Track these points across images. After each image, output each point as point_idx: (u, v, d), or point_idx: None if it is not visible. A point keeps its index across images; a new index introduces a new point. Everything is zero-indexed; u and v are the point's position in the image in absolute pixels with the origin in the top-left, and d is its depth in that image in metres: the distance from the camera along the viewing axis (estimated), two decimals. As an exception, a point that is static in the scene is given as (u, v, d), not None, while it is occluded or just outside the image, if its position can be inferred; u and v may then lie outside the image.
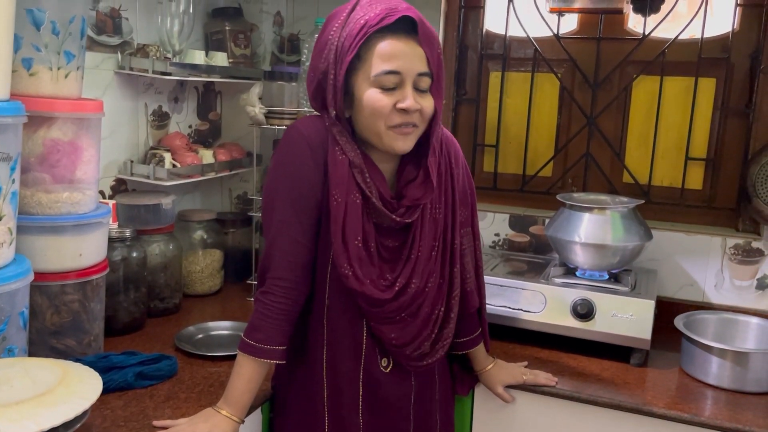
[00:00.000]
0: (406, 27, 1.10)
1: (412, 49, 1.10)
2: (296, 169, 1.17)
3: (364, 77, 1.12)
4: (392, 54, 1.10)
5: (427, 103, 1.15)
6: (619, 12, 1.94)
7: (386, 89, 1.11)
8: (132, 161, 1.86)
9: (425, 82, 1.13)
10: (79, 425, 1.05)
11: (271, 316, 1.19)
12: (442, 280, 1.26)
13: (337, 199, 1.15)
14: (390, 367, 1.27)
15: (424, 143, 1.20)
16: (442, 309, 1.27)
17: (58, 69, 1.35)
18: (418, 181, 1.20)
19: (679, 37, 1.95)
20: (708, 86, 1.96)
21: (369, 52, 1.11)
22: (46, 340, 1.38)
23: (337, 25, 1.14)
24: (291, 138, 1.18)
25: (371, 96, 1.12)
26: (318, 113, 1.22)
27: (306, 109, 1.90)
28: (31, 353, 1.33)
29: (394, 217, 1.18)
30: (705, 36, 1.93)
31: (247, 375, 1.21)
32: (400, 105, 1.11)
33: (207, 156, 2.01)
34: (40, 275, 1.32)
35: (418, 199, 1.20)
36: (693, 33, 1.95)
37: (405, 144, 1.15)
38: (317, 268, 1.23)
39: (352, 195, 1.16)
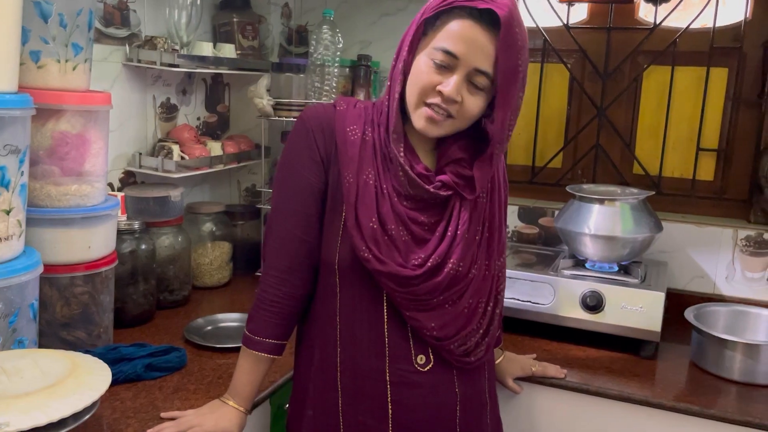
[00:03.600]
0: (493, 20, 1.01)
1: (483, 41, 1.02)
2: (293, 158, 1.13)
3: (427, 44, 1.06)
4: (460, 36, 1.02)
5: (473, 103, 1.06)
6: (630, 1, 1.92)
7: (438, 66, 1.04)
8: (140, 153, 1.87)
9: (481, 81, 1.04)
10: (88, 416, 1.05)
11: (262, 307, 1.16)
12: (488, 271, 1.17)
13: (349, 180, 1.10)
14: (430, 365, 1.14)
15: (476, 139, 1.13)
16: (491, 304, 1.18)
17: (66, 61, 1.35)
18: (463, 171, 1.12)
19: (691, 27, 1.93)
20: (720, 76, 1.94)
21: (444, 24, 1.04)
22: (56, 331, 1.39)
23: None
24: (294, 127, 1.15)
25: (423, 64, 1.05)
26: (340, 98, 1.18)
27: (314, 100, 1.90)
28: (42, 345, 1.33)
29: (429, 188, 1.09)
30: (717, 25, 1.91)
31: (246, 366, 1.19)
32: (441, 87, 1.04)
33: (215, 148, 2.01)
34: (49, 267, 1.33)
35: (457, 185, 1.11)
36: (705, 22, 1.93)
37: (431, 128, 1.08)
38: (324, 261, 1.15)
39: (364, 175, 1.10)
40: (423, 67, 1.05)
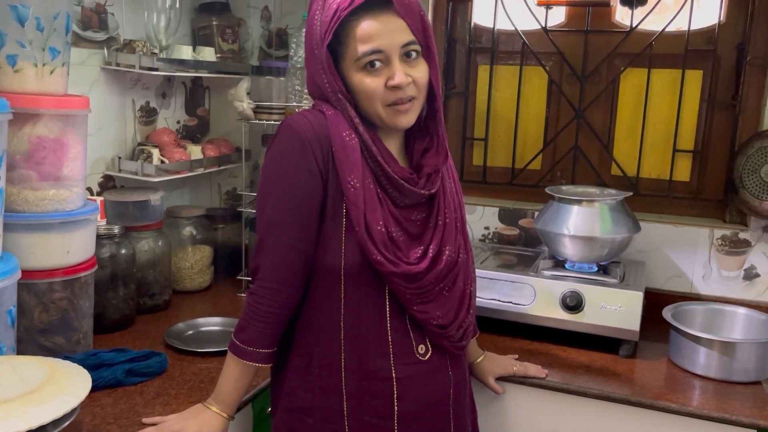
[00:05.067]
0: (379, 1, 1.06)
1: (390, 22, 1.06)
2: (288, 170, 1.11)
3: (350, 62, 1.09)
4: (369, 34, 1.06)
5: (420, 72, 1.10)
6: (607, 4, 1.94)
7: (373, 70, 1.08)
8: (120, 157, 1.86)
9: (413, 49, 1.09)
10: (68, 423, 1.04)
11: (256, 318, 1.14)
12: (467, 254, 1.23)
13: (354, 185, 1.09)
14: (429, 353, 1.18)
15: (427, 112, 1.17)
16: (472, 285, 1.24)
17: (43, 65, 1.34)
18: (433, 150, 1.17)
19: (666, 30, 1.96)
20: (695, 78, 1.97)
21: (348, 37, 1.07)
22: (34, 338, 1.38)
23: (317, 7, 1.11)
24: (283, 136, 1.12)
25: (361, 81, 1.09)
26: (318, 102, 1.16)
27: (294, 103, 1.90)
28: (20, 351, 1.32)
29: (418, 190, 1.14)
30: (692, 28, 1.94)
31: (234, 375, 1.18)
32: (391, 83, 1.07)
33: (195, 152, 2.00)
34: (27, 273, 1.31)
35: (437, 165, 1.16)
36: (680, 25, 1.96)
37: (407, 119, 1.12)
38: (326, 268, 1.14)
39: (367, 180, 1.11)
40: (364, 80, 1.09)
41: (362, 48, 1.06)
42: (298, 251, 1.13)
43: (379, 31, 1.06)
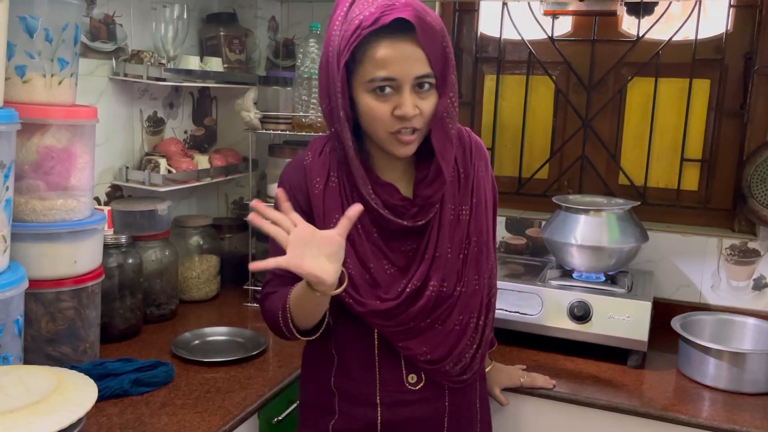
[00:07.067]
0: (404, 26, 1.01)
1: (409, 51, 1.02)
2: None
3: (361, 81, 1.05)
4: (386, 60, 1.02)
5: (428, 105, 1.06)
6: (613, 14, 1.94)
7: (382, 95, 1.04)
8: (127, 167, 1.86)
9: (426, 82, 1.05)
10: (74, 433, 1.04)
11: (270, 298, 1.15)
12: (477, 286, 1.17)
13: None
14: (421, 384, 1.17)
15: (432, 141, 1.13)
16: (482, 317, 1.18)
17: (52, 76, 1.35)
18: (428, 180, 1.12)
19: (673, 39, 1.96)
20: (702, 87, 1.97)
21: (364, 56, 1.03)
22: (41, 347, 1.38)
23: (338, 19, 1.07)
24: (279, 182, 1.19)
25: (367, 103, 1.05)
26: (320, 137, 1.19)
27: (300, 113, 1.90)
28: (27, 361, 1.32)
29: (403, 222, 1.12)
30: (699, 37, 1.93)
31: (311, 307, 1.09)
32: (398, 112, 1.04)
33: (202, 161, 2.01)
34: (35, 283, 1.32)
35: (429, 197, 1.12)
36: (687, 34, 1.95)
37: (407, 149, 1.09)
38: None
39: (330, 224, 1.09)
40: (371, 103, 1.05)
41: (375, 72, 1.03)
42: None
43: (396, 59, 1.02)
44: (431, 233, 1.14)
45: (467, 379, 1.19)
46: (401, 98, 1.04)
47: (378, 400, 1.17)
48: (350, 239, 1.09)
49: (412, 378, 1.17)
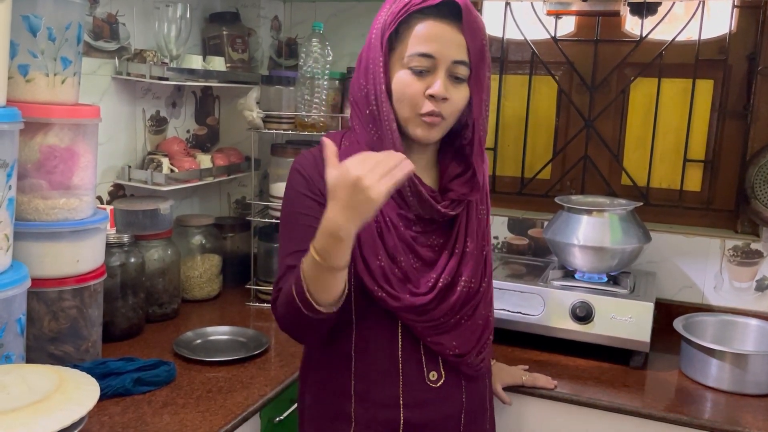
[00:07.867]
0: (451, 11, 1.04)
1: (451, 34, 1.04)
2: (293, 200, 1.12)
3: (399, 57, 1.06)
4: (428, 36, 1.04)
5: (459, 95, 1.07)
6: (616, 14, 1.93)
7: (417, 73, 1.05)
8: (130, 166, 1.86)
9: (462, 72, 1.06)
10: (76, 432, 1.04)
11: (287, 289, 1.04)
12: (489, 282, 1.20)
13: None
14: (441, 380, 1.15)
15: (468, 137, 1.13)
16: (492, 311, 1.21)
17: (55, 75, 1.35)
18: (465, 178, 1.13)
19: (677, 39, 1.95)
20: (706, 88, 1.96)
21: (408, 32, 1.05)
22: (43, 346, 1.38)
23: (388, 4, 1.09)
24: (288, 177, 1.15)
25: (402, 78, 1.06)
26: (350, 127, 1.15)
27: (303, 113, 1.90)
28: (29, 360, 1.32)
29: (439, 207, 1.10)
30: (702, 38, 1.93)
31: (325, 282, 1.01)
32: (429, 91, 1.04)
33: (205, 161, 2.01)
34: (37, 281, 1.32)
35: (465, 195, 1.12)
36: (690, 35, 1.95)
37: (427, 134, 1.08)
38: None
39: None
40: (406, 79, 1.06)
41: (417, 47, 1.04)
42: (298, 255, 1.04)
43: (438, 37, 1.04)
44: (460, 228, 1.14)
45: (483, 366, 1.20)
46: (434, 78, 1.05)
47: (401, 402, 1.13)
48: (379, 233, 1.09)
49: (433, 375, 1.14)
